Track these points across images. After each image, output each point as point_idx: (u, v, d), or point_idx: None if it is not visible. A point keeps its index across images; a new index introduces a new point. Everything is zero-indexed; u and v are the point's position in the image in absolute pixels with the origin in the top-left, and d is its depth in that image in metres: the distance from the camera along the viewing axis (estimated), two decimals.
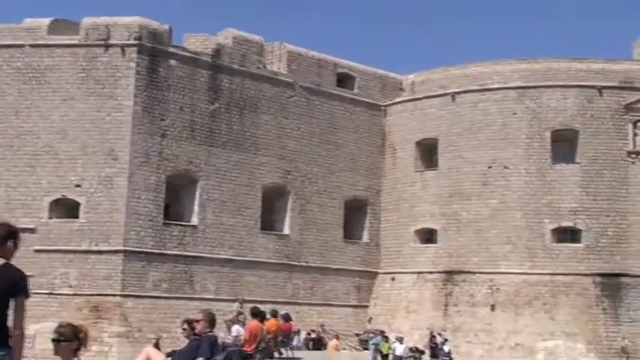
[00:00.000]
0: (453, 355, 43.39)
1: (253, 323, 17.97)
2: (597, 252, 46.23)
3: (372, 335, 38.31)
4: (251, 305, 22.33)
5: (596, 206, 46.63)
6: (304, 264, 47.43)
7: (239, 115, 45.70)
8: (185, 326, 11.99)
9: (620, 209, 46.69)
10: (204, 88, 44.43)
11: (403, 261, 50.12)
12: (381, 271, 50.91)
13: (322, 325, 44.68)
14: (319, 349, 37.53)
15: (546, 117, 47.88)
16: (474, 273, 47.26)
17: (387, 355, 32.68)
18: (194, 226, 43.25)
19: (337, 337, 40.08)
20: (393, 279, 50.09)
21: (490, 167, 48.10)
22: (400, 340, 35.71)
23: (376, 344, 35.58)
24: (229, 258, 44.09)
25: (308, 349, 38.83)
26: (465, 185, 48.57)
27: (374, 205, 51.57)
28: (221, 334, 23.66)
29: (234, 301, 36.34)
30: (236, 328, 19.28)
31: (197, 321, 11.38)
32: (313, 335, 41.45)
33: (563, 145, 47.83)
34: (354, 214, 50.86)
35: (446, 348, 40.91)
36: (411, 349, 31.96)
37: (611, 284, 45.58)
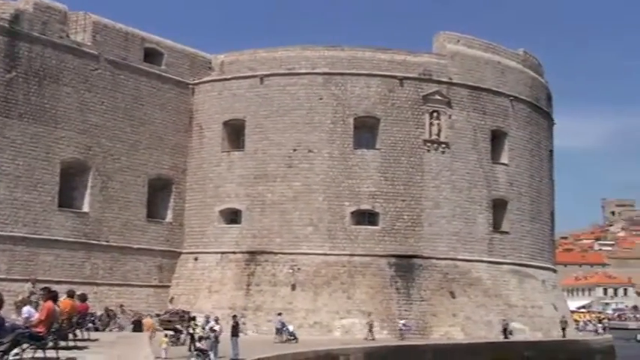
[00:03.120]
0: (253, 334, 43.99)
1: (48, 304, 17.18)
2: (393, 234, 48.54)
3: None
4: (44, 286, 21.37)
5: (393, 191, 48.88)
6: (104, 243, 46.03)
7: (38, 85, 43.37)
8: None
9: (415, 194, 49.27)
10: (0, 56, 41.75)
11: (207, 241, 50.01)
12: (184, 250, 50.50)
13: (121, 306, 43.70)
14: (141, 331, 36.56)
15: (350, 104, 49.45)
16: (276, 253, 48.07)
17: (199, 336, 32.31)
18: None
19: (150, 316, 39.33)
20: (196, 259, 49.85)
21: (295, 150, 49.01)
22: (210, 319, 35.50)
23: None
24: (23, 236, 41.85)
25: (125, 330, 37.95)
26: (271, 167, 49.19)
27: (179, 185, 50.97)
28: (13, 315, 22.46)
29: (27, 281, 34.64)
30: (27, 310, 18.28)
31: None
32: (133, 317, 40.37)
33: (365, 131, 49.66)
34: (158, 192, 50.00)
35: (290, 327, 41.71)
36: (211, 329, 31.91)
37: (405, 265, 48.06)
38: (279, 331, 41.24)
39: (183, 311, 44.33)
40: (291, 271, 47.27)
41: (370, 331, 43.21)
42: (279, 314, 42.69)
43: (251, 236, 48.87)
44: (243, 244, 48.90)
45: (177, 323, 37.88)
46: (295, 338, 40.93)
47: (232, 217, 50.06)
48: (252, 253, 48.52)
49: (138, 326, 38.51)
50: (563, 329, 52.40)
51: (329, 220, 48.27)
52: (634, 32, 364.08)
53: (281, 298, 46.75)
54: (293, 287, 47.05)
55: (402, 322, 44.68)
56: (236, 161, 50.30)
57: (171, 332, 33.76)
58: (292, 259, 47.77)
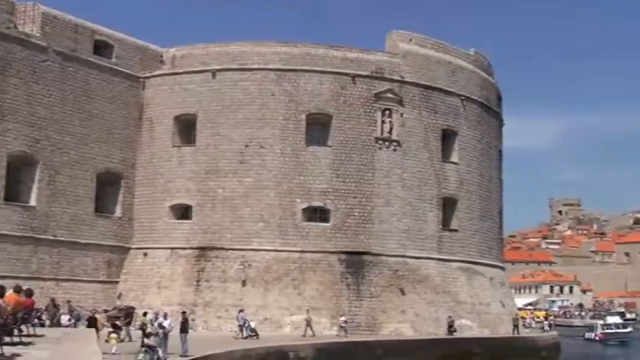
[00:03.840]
0: (203, 331, 43.75)
1: None
2: (344, 231, 48.68)
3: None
4: None
5: (344, 188, 49.02)
6: (51, 238, 45.23)
7: None
8: None
9: (366, 191, 49.48)
10: None
11: (157, 236, 49.52)
12: (133, 246, 49.91)
13: (69, 302, 42.97)
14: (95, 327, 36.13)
15: (302, 100, 49.42)
16: (226, 249, 47.83)
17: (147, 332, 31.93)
18: None
19: (98, 312, 38.80)
20: (145, 254, 49.32)
21: (247, 146, 48.81)
22: (159, 315, 35.16)
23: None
24: None
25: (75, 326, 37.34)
26: (222, 163, 48.92)
27: (128, 179, 50.33)
28: None
29: None
30: None
31: None
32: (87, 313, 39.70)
33: (317, 128, 49.70)
34: (107, 187, 49.31)
35: (252, 324, 41.75)
36: (160, 325, 31.64)
37: (355, 262, 48.24)
38: (241, 328, 41.21)
39: (132, 307, 43.92)
40: (241, 267, 47.08)
41: (308, 327, 42.98)
42: (241, 311, 42.54)
43: (201, 232, 48.54)
44: (194, 239, 48.55)
45: (122, 319, 37.43)
46: (256, 335, 40.98)
47: (182, 212, 49.64)
48: (202, 249, 48.19)
49: (93, 322, 38.05)
50: (516, 326, 53.44)
51: (280, 216, 48.20)
52: (579, 34, 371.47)
53: (231, 294, 46.53)
54: (243, 283, 46.88)
55: (343, 318, 44.68)
56: (187, 156, 49.89)
57: (110, 329, 33.30)
58: (243, 255, 47.59)
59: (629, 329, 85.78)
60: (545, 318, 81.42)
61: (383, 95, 50.63)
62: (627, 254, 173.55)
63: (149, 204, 50.06)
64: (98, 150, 48.43)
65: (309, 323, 43.08)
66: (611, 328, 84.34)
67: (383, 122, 50.47)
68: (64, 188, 46.30)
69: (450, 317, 48.33)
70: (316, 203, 48.71)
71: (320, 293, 46.85)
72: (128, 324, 36.29)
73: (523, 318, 69.84)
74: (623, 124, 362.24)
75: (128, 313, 38.62)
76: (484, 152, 56.43)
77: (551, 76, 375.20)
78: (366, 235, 49.12)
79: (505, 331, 52.67)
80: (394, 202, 50.15)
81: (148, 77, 51.36)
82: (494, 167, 58.48)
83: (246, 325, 41.50)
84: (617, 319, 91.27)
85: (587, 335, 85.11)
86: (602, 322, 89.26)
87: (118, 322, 35.64)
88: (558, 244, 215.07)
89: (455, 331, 47.93)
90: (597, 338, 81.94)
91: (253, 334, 41.15)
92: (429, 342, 45.31)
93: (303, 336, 42.22)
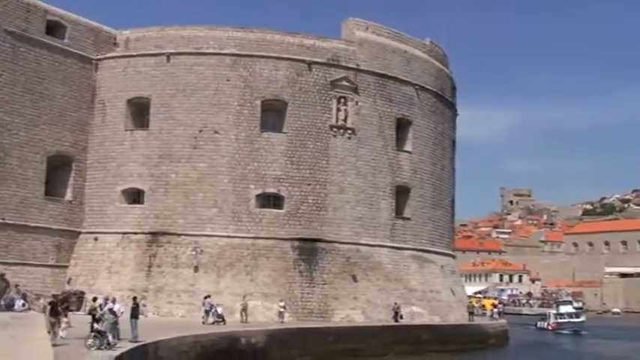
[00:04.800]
0: (154, 316, 43.48)
1: None
2: (297, 218, 48.73)
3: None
4: None
5: (298, 175, 49.03)
6: (0, 220, 44.44)
7: None
8: None
9: (320, 179, 49.57)
10: None
11: (108, 221, 48.96)
12: (83, 230, 49.28)
13: (17, 286, 42.35)
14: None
15: (258, 86, 49.22)
16: (179, 235, 47.52)
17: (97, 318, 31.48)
18: None
19: (45, 297, 38.29)
20: (96, 239, 48.75)
21: (201, 131, 48.48)
22: (109, 301, 34.78)
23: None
24: None
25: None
26: (176, 147, 48.51)
27: (79, 162, 49.62)
28: None
29: None
30: None
31: None
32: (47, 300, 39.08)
33: (272, 114, 49.54)
34: (58, 170, 48.55)
35: (219, 310, 41.69)
36: (110, 311, 31.27)
37: (308, 248, 48.36)
38: (207, 313, 40.99)
39: (82, 292, 43.48)
40: (193, 252, 46.84)
41: (244, 312, 42.87)
42: (208, 296, 42.32)
43: (154, 217, 48.12)
44: (146, 224, 48.12)
45: (73, 304, 37.03)
46: (223, 320, 40.83)
47: (134, 197, 49.13)
48: (154, 234, 47.79)
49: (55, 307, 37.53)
50: (470, 313, 54.34)
51: (234, 202, 48.03)
52: (535, 30, 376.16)
53: (183, 280, 46.28)
54: (196, 269, 46.66)
55: (282, 303, 44.61)
56: (140, 140, 49.34)
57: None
58: (195, 240, 47.33)
59: (582, 319, 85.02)
60: (495, 306, 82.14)
61: (338, 83, 50.68)
62: (575, 245, 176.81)
63: (100, 188, 49.44)
64: (49, 132, 47.64)
65: (244, 309, 42.86)
66: (564, 318, 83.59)
67: (338, 110, 50.58)
68: (14, 170, 45.50)
69: (395, 304, 48.63)
70: (270, 190, 48.63)
71: (273, 280, 46.87)
72: (66, 309, 35.80)
73: (473, 306, 70.61)
74: (574, 118, 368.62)
75: (65, 299, 38.05)
76: (438, 142, 56.90)
77: (504, 69, 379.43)
78: (319, 223, 49.23)
79: (455, 318, 53.35)
80: (348, 189, 50.33)
81: (101, 59, 50.61)
82: (447, 157, 59.03)
83: (213, 310, 41.39)
84: (570, 309, 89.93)
85: (539, 324, 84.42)
86: (554, 311, 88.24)
87: (58, 308, 35.22)
88: (508, 233, 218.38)
89: (401, 317, 48.27)
90: (550, 327, 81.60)
91: (220, 319, 41.05)
92: (379, 328, 45.66)
93: (244, 322, 42.01)
